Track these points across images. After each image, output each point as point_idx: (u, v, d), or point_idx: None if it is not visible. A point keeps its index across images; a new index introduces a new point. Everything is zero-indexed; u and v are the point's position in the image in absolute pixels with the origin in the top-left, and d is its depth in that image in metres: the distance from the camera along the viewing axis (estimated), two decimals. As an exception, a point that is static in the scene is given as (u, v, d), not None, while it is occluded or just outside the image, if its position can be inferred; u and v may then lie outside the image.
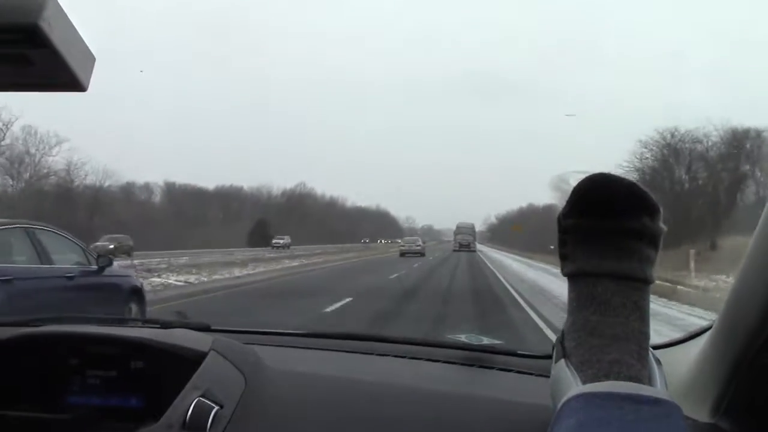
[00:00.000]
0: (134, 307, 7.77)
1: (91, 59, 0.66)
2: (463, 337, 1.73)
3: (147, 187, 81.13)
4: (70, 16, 0.63)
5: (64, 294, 6.60)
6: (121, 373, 1.40)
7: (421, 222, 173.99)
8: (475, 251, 61.16)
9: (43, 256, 6.69)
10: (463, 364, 1.53)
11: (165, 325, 1.68)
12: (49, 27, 0.59)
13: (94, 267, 7.32)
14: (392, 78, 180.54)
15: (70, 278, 6.83)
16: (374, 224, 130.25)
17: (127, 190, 75.89)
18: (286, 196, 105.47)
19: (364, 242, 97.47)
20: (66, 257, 7.15)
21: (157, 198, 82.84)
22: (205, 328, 1.67)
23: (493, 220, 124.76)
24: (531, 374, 1.46)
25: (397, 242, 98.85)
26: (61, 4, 0.61)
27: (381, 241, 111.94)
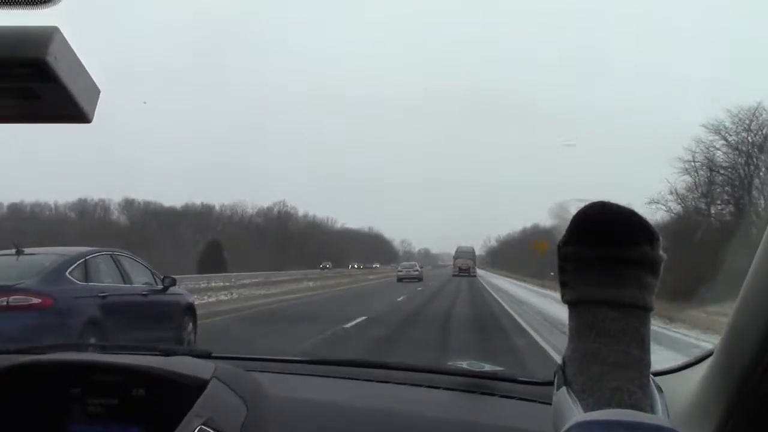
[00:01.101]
0: (189, 320, 9.12)
1: (96, 92, 0.68)
2: (464, 364, 1.73)
3: (101, 205, 76.63)
4: (76, 50, 0.64)
5: (140, 309, 7.96)
6: (123, 401, 1.40)
7: (417, 246, 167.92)
8: (475, 276, 58.56)
9: (125, 277, 8.09)
10: (464, 391, 1.53)
11: (166, 353, 1.68)
12: (55, 61, 0.60)
13: (160, 286, 8.61)
14: (387, 97, 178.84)
15: (144, 296, 8.16)
16: (366, 247, 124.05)
17: (80, 207, 73.97)
18: (263, 215, 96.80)
19: (324, 267, 76.19)
20: (140, 278, 8.43)
21: (113, 216, 77.44)
22: (207, 355, 1.67)
23: (493, 243, 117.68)
24: (533, 401, 1.45)
25: (375, 267, 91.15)
26: (67, 38, 0.62)
27: (354, 266, 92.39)
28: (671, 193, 27.00)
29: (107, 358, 1.55)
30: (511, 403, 1.48)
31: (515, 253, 72.80)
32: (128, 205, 78.49)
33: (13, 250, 7.33)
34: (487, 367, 1.68)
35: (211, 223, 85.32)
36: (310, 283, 36.12)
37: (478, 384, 1.55)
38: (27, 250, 7.47)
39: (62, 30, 0.62)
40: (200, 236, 73.28)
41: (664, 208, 27.36)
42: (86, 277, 7.40)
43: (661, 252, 0.83)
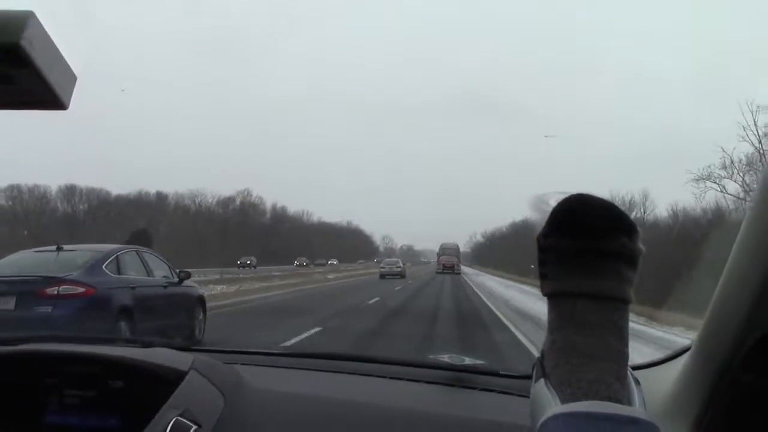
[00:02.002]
0: (200, 309, 10.15)
1: (72, 78, 0.66)
2: (445, 358, 1.73)
3: (36, 191, 70.02)
4: (51, 36, 0.63)
5: (161, 299, 9.02)
6: (100, 393, 1.38)
7: (400, 242, 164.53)
8: (459, 273, 57.28)
9: (148, 271, 9.16)
10: (445, 384, 1.53)
11: (145, 345, 1.66)
12: (30, 46, 0.59)
13: (176, 279, 9.66)
14: (369, 91, 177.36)
15: (164, 287, 9.26)
16: (345, 242, 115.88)
17: (10, 193, 67.31)
18: (223, 205, 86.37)
19: (246, 264, 61.86)
20: (159, 272, 9.47)
21: (50, 203, 70.92)
22: (186, 348, 1.65)
23: (479, 238, 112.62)
24: (512, 394, 1.46)
25: (329, 264, 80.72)
26: (42, 23, 0.61)
27: (303, 263, 74.36)
28: (725, 167, 22.85)
29: (85, 349, 1.53)
30: (491, 397, 1.48)
31: (506, 249, 65.78)
32: (69, 192, 72.16)
33: (54, 247, 8.41)
34: (468, 361, 1.69)
35: (166, 213, 77.67)
36: (222, 287, 23.83)
37: (459, 377, 1.55)
38: (66, 247, 8.59)
39: (38, 15, 0.61)
40: (153, 228, 65.09)
41: (716, 187, 23.55)
42: (118, 271, 8.46)
43: (639, 244, 0.83)
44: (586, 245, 0.81)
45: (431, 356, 1.81)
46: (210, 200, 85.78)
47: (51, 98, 0.64)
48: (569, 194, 0.83)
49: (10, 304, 7.32)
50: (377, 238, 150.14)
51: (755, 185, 0.85)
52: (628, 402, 0.77)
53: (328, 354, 1.83)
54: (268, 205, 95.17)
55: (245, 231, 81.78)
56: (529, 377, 0.88)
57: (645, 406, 0.80)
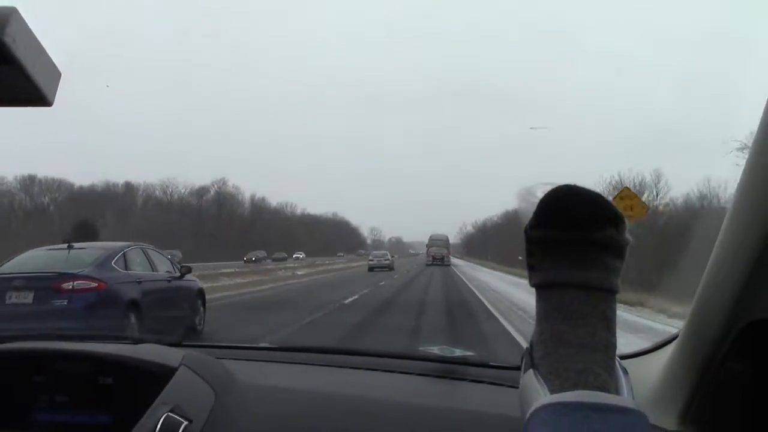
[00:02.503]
0: (200, 302, 10.75)
1: (56, 74, 0.66)
2: (435, 349, 1.73)
3: None
4: (35, 32, 0.62)
5: (165, 292, 9.65)
6: (90, 390, 1.38)
7: (388, 234, 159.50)
8: (449, 265, 56.14)
9: (152, 266, 9.76)
10: (435, 376, 1.53)
11: (136, 341, 1.66)
12: (13, 43, 0.58)
13: (178, 274, 10.28)
14: (354, 81, 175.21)
15: (168, 281, 9.90)
16: (329, 235, 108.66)
17: None
18: (195, 195, 79.70)
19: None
20: (163, 267, 10.09)
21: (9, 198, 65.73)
22: (176, 344, 1.65)
23: (470, 229, 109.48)
24: (502, 385, 1.46)
25: (298, 258, 71.43)
26: (26, 19, 0.61)
27: (255, 258, 63.83)
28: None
29: (74, 346, 1.52)
30: (481, 388, 1.49)
31: (500, 239, 60.34)
32: (27, 182, 67.42)
33: (65, 245, 8.90)
34: (458, 353, 1.69)
35: (136, 204, 73.09)
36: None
37: (449, 369, 1.56)
38: (75, 245, 9.06)
39: (21, 11, 0.60)
40: (119, 220, 61.37)
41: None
42: (126, 266, 9.06)
43: (627, 235, 0.84)
44: (573, 236, 0.82)
45: (421, 348, 1.82)
46: (182, 190, 79.84)
47: (35, 95, 0.64)
48: (556, 185, 0.84)
49: (28, 298, 7.94)
50: (365, 231, 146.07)
51: (740, 173, 0.85)
52: (616, 391, 0.78)
53: (318, 348, 1.83)
54: (247, 195, 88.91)
55: (221, 223, 76.98)
56: (519, 368, 0.88)
57: (633, 395, 0.81)
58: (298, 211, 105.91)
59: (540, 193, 0.86)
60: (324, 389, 1.43)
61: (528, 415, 0.76)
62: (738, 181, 0.85)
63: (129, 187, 77.32)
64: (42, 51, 0.64)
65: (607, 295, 0.82)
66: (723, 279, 0.88)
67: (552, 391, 0.77)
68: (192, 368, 1.33)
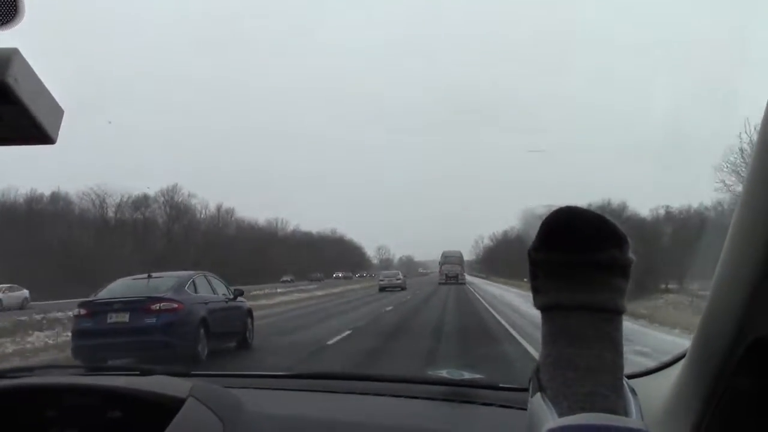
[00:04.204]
0: (249, 319, 12.68)
1: (59, 112, 0.67)
2: (444, 372, 1.72)
3: None
4: (36, 71, 0.63)
5: (225, 311, 11.60)
6: (99, 424, 1.38)
7: (398, 253, 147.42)
8: (464, 283, 51.50)
9: (214, 290, 11.82)
10: (444, 400, 1.53)
11: (144, 372, 1.66)
12: (15, 83, 0.59)
13: (232, 296, 12.28)
14: (358, 92, 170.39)
15: (225, 302, 11.88)
16: (326, 255, 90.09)
17: None
18: (133, 207, 61.35)
19: None
20: (220, 290, 12.11)
21: None
22: (185, 374, 1.65)
23: (487, 242, 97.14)
24: (512, 408, 1.45)
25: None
26: (27, 59, 0.62)
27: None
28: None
29: (83, 380, 1.52)
30: (490, 411, 1.48)
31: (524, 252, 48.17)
32: None
33: (146, 275, 11.26)
34: (467, 375, 1.68)
35: (61, 218, 54.76)
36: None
37: (458, 392, 1.55)
38: (154, 274, 11.33)
39: (22, 51, 0.61)
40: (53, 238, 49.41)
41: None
42: (195, 290, 11.13)
43: (630, 254, 0.84)
44: (576, 258, 0.82)
45: (430, 371, 1.81)
46: (117, 199, 60.83)
47: (38, 134, 0.64)
48: (557, 207, 0.84)
49: (125, 317, 10.01)
50: (370, 249, 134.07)
51: (741, 190, 0.85)
52: (625, 413, 0.78)
53: (325, 374, 1.82)
54: (212, 206, 70.12)
55: (170, 239, 61.26)
56: (527, 390, 0.88)
57: (642, 416, 0.81)
58: (290, 228, 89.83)
59: (541, 215, 0.86)
60: (332, 416, 1.42)
61: None
62: (741, 193, 0.85)
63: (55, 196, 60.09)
64: (44, 90, 0.64)
65: (613, 316, 0.82)
66: (727, 296, 0.87)
67: (560, 415, 0.77)
68: (199, 399, 1.32)
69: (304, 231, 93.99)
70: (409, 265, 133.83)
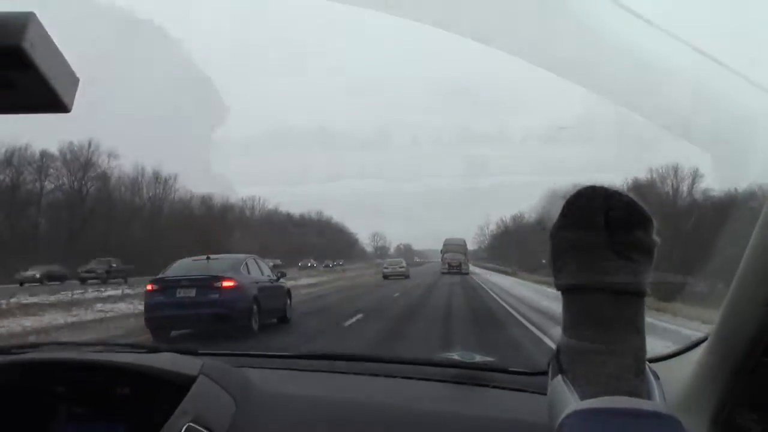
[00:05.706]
0: (289, 298, 14.12)
1: (74, 80, 0.65)
2: (455, 355, 1.71)
3: None
4: (53, 37, 0.62)
5: (270, 290, 12.90)
6: (108, 401, 1.37)
7: (395, 240, 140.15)
8: (468, 273, 47.90)
9: (261, 271, 13.23)
10: (456, 383, 1.51)
11: (152, 350, 1.65)
12: (32, 48, 0.57)
13: (275, 277, 13.75)
14: (359, 73, 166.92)
15: (271, 282, 13.22)
16: (307, 240, 78.28)
17: None
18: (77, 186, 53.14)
19: None
20: (266, 272, 13.53)
21: None
22: (194, 352, 1.64)
23: (493, 228, 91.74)
24: (525, 391, 1.44)
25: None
26: (44, 24, 0.60)
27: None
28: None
29: (91, 356, 1.51)
30: (502, 394, 1.46)
31: (540, 240, 32.11)
32: None
33: (205, 257, 12.75)
34: (479, 358, 1.67)
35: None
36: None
37: (470, 375, 1.54)
38: (212, 257, 12.87)
39: (39, 16, 0.59)
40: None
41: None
42: (248, 272, 12.51)
43: (654, 236, 0.82)
44: (600, 238, 0.80)
45: (441, 354, 1.79)
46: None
47: (53, 101, 0.63)
48: (582, 186, 0.82)
49: (192, 293, 11.34)
50: (364, 237, 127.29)
51: None
52: (648, 396, 0.76)
53: (337, 355, 1.81)
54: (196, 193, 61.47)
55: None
56: (541, 373, 0.87)
57: (665, 400, 0.79)
58: (269, 207, 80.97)
59: (565, 195, 0.84)
60: (344, 397, 1.41)
61: (558, 421, 0.75)
62: None
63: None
64: (60, 56, 0.63)
65: (636, 299, 0.80)
66: (756, 278, 0.85)
67: (582, 397, 0.75)
68: (211, 377, 1.31)
69: (283, 212, 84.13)
70: (406, 253, 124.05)
